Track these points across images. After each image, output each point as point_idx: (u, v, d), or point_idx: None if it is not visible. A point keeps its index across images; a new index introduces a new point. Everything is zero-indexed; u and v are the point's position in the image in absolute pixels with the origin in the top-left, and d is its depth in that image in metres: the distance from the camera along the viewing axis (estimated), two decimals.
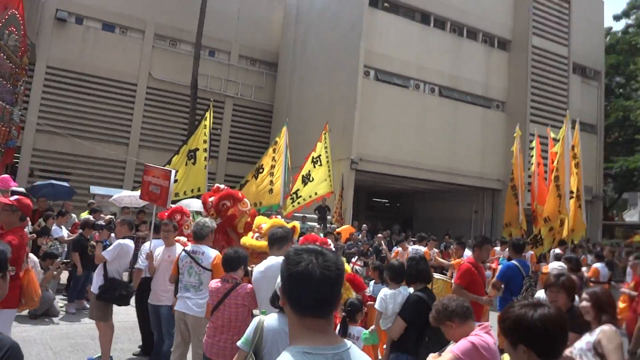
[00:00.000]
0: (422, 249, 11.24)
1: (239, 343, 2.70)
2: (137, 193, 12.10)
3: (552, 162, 13.97)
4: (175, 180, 13.97)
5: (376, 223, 24.92)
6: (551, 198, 13.14)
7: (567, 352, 3.27)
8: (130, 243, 5.81)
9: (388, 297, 4.32)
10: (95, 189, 16.09)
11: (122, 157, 21.09)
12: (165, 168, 6.48)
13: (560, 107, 22.48)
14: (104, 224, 7.98)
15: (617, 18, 32.33)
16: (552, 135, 14.74)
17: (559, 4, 23.54)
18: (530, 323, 1.86)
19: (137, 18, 22.20)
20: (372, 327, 4.67)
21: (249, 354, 2.56)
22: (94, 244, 7.67)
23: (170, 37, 23.10)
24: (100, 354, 5.68)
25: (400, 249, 11.77)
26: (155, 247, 5.86)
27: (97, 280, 5.64)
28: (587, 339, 3.16)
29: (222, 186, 6.93)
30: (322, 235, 12.61)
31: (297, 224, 6.18)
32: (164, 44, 23.02)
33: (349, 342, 1.56)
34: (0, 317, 3.85)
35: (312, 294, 1.50)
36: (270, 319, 2.74)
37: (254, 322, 2.67)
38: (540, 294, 4.42)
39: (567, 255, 7.98)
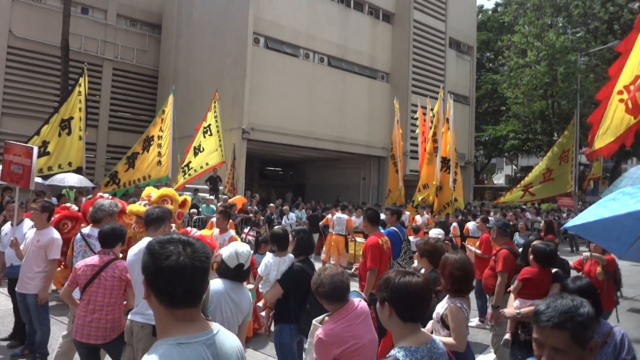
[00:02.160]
0: (345, 216, 12.14)
1: None
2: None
3: (426, 133, 15.19)
4: (48, 153, 12.87)
5: (270, 191, 25.13)
6: (429, 167, 14.30)
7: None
8: None
9: (272, 264, 4.41)
10: None
11: None
12: (26, 145, 5.92)
13: (438, 80, 24.17)
14: None
15: None
16: (430, 106, 15.91)
17: None
18: (395, 285, 2.11)
19: None
20: (251, 286, 4.89)
21: None
22: None
23: None
24: None
25: (329, 215, 12.82)
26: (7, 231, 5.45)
27: None
28: (438, 309, 3.42)
29: (106, 195, 6.52)
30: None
31: (188, 197, 6.03)
32: None
33: (216, 325, 1.61)
34: None
35: (184, 287, 1.47)
36: (216, 283, 3.24)
37: None
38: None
39: (438, 221, 8.77)
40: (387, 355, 2.04)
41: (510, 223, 10.01)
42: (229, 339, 1.63)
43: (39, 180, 11.89)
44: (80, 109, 13.43)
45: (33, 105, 19.80)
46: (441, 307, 3.37)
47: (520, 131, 31.26)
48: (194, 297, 1.52)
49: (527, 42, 24.89)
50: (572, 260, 6.72)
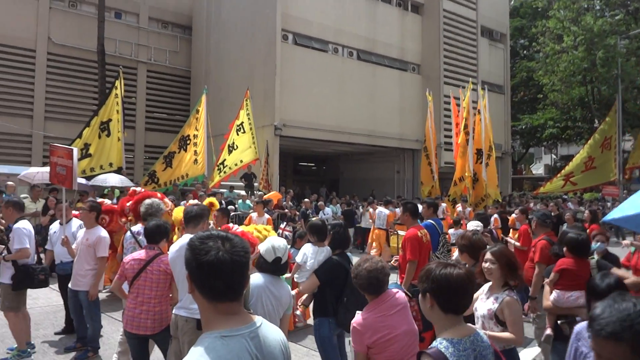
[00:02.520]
0: (386, 211, 12.45)
1: None
2: (48, 169, 11.39)
3: (458, 125, 14.93)
4: (89, 155, 13.34)
5: (304, 187, 25.26)
6: (463, 159, 14.07)
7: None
8: (26, 225, 5.32)
9: (310, 253, 4.45)
10: None
11: (27, 130, 19.45)
12: (67, 147, 6.20)
13: (471, 69, 23.69)
14: None
15: None
16: (462, 97, 15.63)
17: None
18: (436, 276, 2.11)
19: None
20: (288, 275, 4.98)
21: None
22: (2, 228, 7.14)
23: None
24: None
25: (371, 209, 13.25)
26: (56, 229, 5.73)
27: (7, 271, 5.22)
28: (488, 305, 3.22)
29: (138, 189, 6.91)
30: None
31: (213, 199, 6.25)
32: (62, 5, 21.07)
33: (259, 319, 1.64)
34: None
35: (224, 281, 1.52)
36: (256, 278, 3.31)
37: None
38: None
39: (477, 213, 8.61)
40: (429, 347, 2.04)
41: (552, 214, 9.72)
42: (272, 332, 1.66)
43: (82, 181, 12.33)
44: (117, 111, 13.85)
45: (73, 108, 20.54)
46: (491, 303, 3.21)
47: (559, 119, 30.24)
48: (234, 291, 1.56)
49: (562, 27, 24.04)
50: (620, 254, 6.46)
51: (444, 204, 13.52)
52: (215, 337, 1.49)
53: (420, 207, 7.18)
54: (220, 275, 1.50)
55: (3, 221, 6.37)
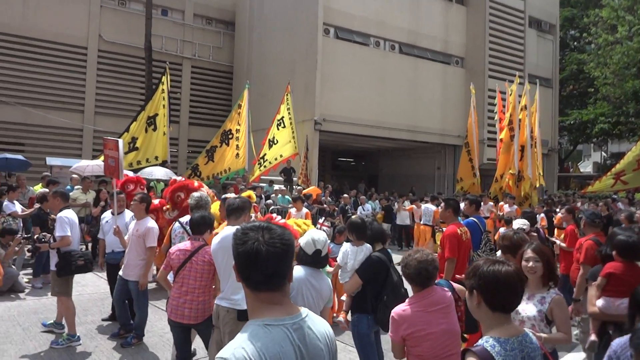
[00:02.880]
0: (433, 207, 12.39)
1: None
2: (98, 162, 11.86)
3: (502, 120, 14.47)
4: (136, 148, 13.79)
5: (342, 182, 25.23)
6: (506, 155, 13.67)
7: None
8: (70, 214, 5.54)
9: (349, 253, 4.43)
10: (51, 160, 15.49)
11: (78, 125, 20.32)
12: (114, 138, 6.43)
13: (517, 62, 22.92)
14: None
15: None
16: (508, 91, 15.14)
17: None
18: (483, 272, 2.06)
19: None
20: (330, 269, 5.08)
21: None
22: (55, 217, 7.51)
23: None
24: (54, 320, 5.82)
25: (414, 206, 13.48)
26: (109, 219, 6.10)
27: (53, 258, 5.47)
28: (537, 307, 3.13)
29: (178, 178, 7.12)
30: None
31: (252, 193, 6.34)
32: (112, 3, 21.83)
33: (305, 310, 1.65)
34: None
35: (261, 271, 1.54)
36: (296, 270, 3.34)
37: None
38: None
39: (524, 211, 8.36)
40: (474, 345, 2.00)
41: (602, 214, 9.28)
42: (317, 325, 1.65)
43: (129, 173, 12.72)
44: (164, 106, 14.23)
45: (122, 104, 21.30)
46: (539, 304, 3.13)
47: (611, 114, 28.74)
48: (272, 281, 1.57)
49: (617, 17, 22.84)
50: None
51: (490, 202, 13.20)
52: (259, 325, 1.52)
53: (462, 204, 7.03)
54: (256, 265, 1.53)
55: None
